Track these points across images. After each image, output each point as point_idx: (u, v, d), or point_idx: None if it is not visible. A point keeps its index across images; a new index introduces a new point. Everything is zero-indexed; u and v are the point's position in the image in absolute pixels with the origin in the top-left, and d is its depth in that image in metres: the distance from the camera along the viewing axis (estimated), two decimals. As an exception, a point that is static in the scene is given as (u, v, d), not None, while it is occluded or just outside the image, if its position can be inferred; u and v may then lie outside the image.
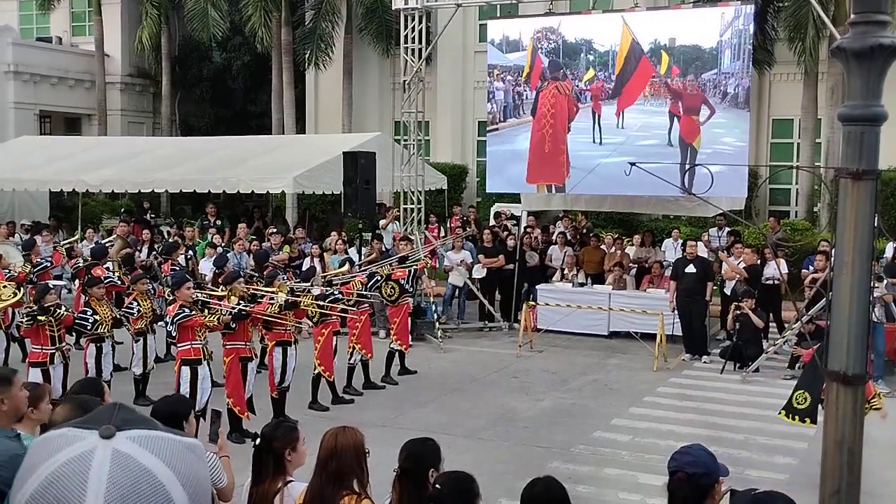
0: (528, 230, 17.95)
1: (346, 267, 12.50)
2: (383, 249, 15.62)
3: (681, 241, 17.60)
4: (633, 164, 5.16)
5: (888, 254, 14.67)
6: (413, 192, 17.38)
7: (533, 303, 15.55)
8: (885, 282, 12.68)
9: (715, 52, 15.00)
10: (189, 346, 9.38)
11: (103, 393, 5.25)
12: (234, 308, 9.58)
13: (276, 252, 16.27)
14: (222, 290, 10.27)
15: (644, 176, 10.67)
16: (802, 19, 19.77)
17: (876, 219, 2.48)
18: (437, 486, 3.94)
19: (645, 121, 15.65)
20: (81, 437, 1.40)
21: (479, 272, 16.85)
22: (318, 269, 13.63)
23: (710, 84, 15.08)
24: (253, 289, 10.59)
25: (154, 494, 1.36)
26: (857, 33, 2.44)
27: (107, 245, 15.16)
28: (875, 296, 11.55)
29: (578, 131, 16.10)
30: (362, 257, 15.18)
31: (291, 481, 4.46)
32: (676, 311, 14.40)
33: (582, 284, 16.12)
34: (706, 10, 15.31)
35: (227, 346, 9.84)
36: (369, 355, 12.21)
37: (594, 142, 15.97)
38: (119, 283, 12.68)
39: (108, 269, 13.24)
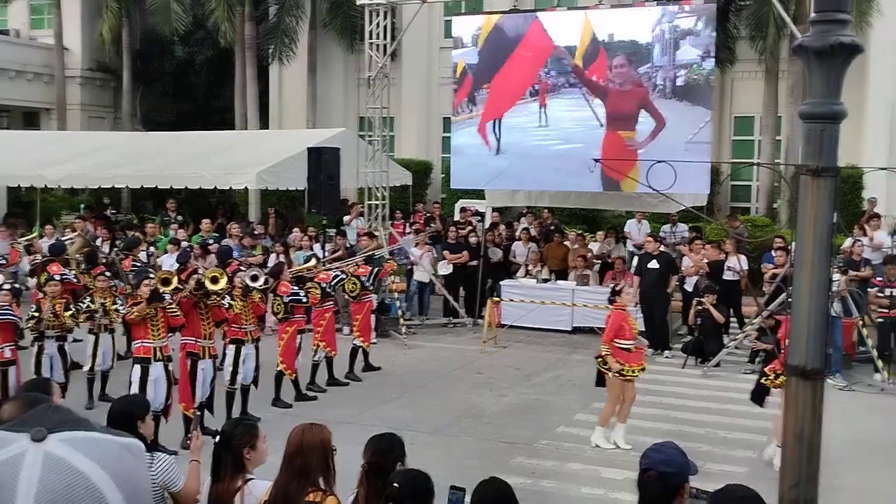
0: (493, 226, 18.00)
1: (313, 262, 12.44)
2: (347, 245, 15.55)
3: (644, 224, 17.82)
4: (596, 160, 5.19)
5: (846, 245, 14.89)
6: (377, 189, 17.34)
7: (497, 299, 15.58)
8: (844, 277, 12.86)
9: (650, 47, 15.22)
10: (140, 345, 9.25)
11: (51, 393, 5.16)
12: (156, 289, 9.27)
13: (251, 252, 16.08)
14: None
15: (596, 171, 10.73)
16: (763, 18, 20.00)
17: (835, 215, 2.50)
18: (394, 484, 3.93)
19: (562, 114, 15.91)
20: (13, 441, 1.35)
21: (444, 268, 16.85)
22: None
23: (644, 77, 15.28)
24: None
25: (88, 497, 1.32)
26: (818, 32, 2.46)
27: (66, 242, 14.92)
28: (833, 290, 11.73)
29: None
30: (326, 253, 15.09)
31: (251, 479, 4.43)
32: (639, 307, 14.51)
33: (546, 280, 16.18)
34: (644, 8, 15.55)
35: (181, 342, 9.77)
36: (334, 352, 12.19)
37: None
38: (75, 281, 12.43)
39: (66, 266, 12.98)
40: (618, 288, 10.16)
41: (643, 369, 9.85)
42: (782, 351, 9.23)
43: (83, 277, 12.62)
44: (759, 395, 9.58)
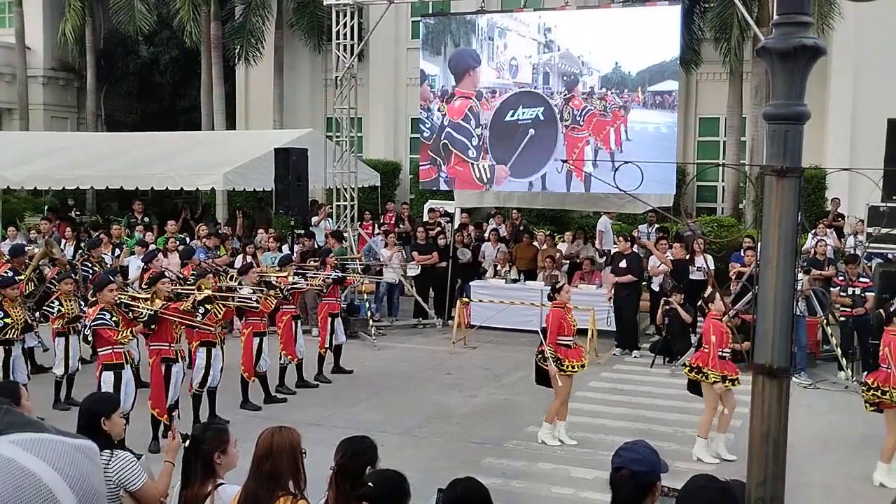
0: (462, 227, 18.03)
1: (286, 273, 12.21)
2: (316, 247, 15.47)
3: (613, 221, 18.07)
4: (564, 161, 5.21)
5: (808, 245, 15.10)
6: (346, 189, 17.30)
7: (466, 299, 15.59)
8: (806, 276, 13.04)
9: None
10: (111, 351, 9.03)
11: (19, 396, 5.10)
12: (150, 311, 9.30)
13: (216, 253, 15.92)
14: (147, 292, 9.97)
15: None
16: (727, 20, 20.20)
17: (799, 215, 2.54)
18: (368, 484, 3.92)
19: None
20: None
21: (414, 269, 16.85)
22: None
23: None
24: (178, 288, 10.28)
25: (38, 498, 1.30)
26: (781, 34, 2.49)
27: (26, 246, 14.61)
28: (798, 290, 11.90)
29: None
30: (294, 255, 14.98)
31: (222, 484, 4.39)
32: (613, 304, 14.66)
33: (515, 281, 16.22)
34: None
35: (151, 347, 9.57)
36: (292, 358, 12.01)
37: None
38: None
39: (18, 269, 12.60)
40: (558, 286, 10.32)
41: (583, 366, 10.02)
42: (704, 347, 9.49)
43: (23, 285, 12.24)
44: (694, 386, 9.79)
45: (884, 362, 8.69)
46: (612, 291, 14.60)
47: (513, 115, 16.14)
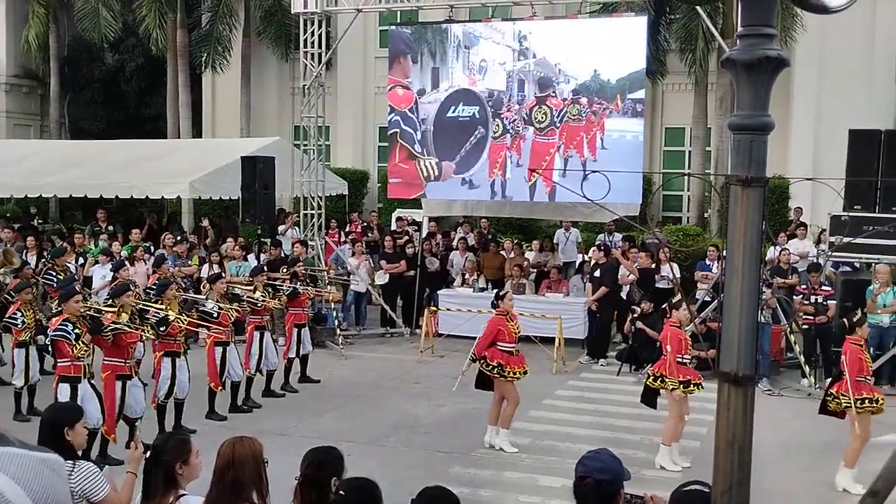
0: (430, 236, 18.02)
1: (253, 289, 12.07)
2: (283, 255, 15.38)
3: (572, 232, 18.15)
4: (533, 170, 5.23)
5: (769, 256, 15.28)
6: (313, 198, 17.23)
7: (434, 308, 15.58)
8: (769, 289, 13.19)
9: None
10: (70, 364, 8.80)
11: None
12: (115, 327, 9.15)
13: (186, 262, 15.77)
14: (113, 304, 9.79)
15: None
16: (693, 31, 20.43)
17: (764, 224, 2.56)
18: (339, 492, 3.89)
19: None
20: None
21: (381, 278, 16.81)
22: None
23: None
24: (143, 304, 10.10)
25: None
26: (746, 45, 2.51)
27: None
28: (763, 298, 12.03)
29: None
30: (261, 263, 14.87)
31: (184, 495, 4.33)
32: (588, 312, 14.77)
33: (482, 289, 16.23)
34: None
35: (106, 362, 9.29)
36: (248, 370, 11.75)
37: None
38: None
39: None
40: (501, 294, 10.41)
41: (525, 372, 10.07)
42: (664, 354, 9.58)
43: None
44: (648, 397, 9.86)
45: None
46: (595, 304, 14.64)
47: (454, 112, 16.21)
